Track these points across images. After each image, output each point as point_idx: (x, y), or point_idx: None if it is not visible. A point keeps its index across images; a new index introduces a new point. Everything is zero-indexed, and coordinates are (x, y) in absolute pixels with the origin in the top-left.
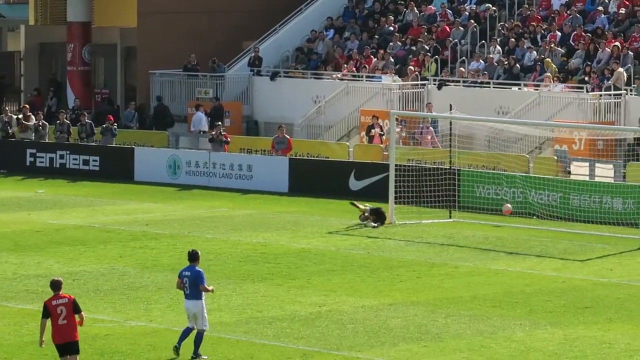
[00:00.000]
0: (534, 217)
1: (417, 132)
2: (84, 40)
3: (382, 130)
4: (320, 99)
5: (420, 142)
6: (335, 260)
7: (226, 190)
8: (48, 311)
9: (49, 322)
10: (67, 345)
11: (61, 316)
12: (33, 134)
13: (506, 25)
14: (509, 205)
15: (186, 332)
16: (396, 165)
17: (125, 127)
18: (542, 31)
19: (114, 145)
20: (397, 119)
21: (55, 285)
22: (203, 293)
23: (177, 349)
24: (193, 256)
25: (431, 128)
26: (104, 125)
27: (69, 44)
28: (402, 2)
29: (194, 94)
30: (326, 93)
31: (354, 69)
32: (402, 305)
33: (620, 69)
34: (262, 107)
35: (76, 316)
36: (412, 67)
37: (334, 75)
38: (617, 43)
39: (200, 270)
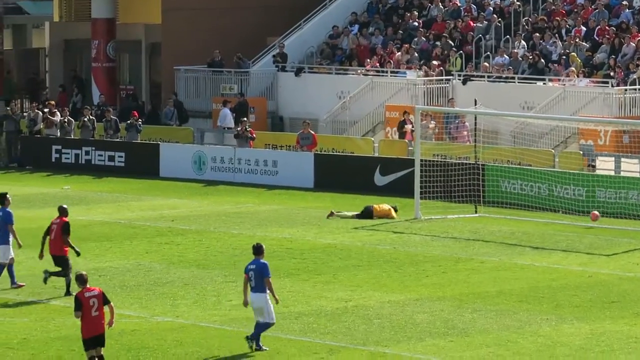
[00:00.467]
0: (560, 212)
1: (452, 127)
2: (108, 36)
3: (414, 126)
4: (345, 94)
5: (457, 137)
6: (361, 255)
7: (251, 186)
8: (81, 304)
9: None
10: (96, 338)
11: (93, 308)
12: (58, 131)
13: (530, 20)
14: (597, 213)
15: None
16: (421, 160)
17: (164, 125)
18: (567, 26)
19: (139, 141)
20: (430, 115)
21: (83, 279)
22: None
23: (260, 349)
24: (257, 249)
25: (467, 123)
26: (129, 122)
27: (93, 40)
28: None
29: (219, 90)
30: (351, 88)
31: (378, 64)
32: (428, 300)
33: None
34: (287, 102)
35: (105, 307)
36: (435, 62)
37: (358, 71)
38: None
39: (266, 262)
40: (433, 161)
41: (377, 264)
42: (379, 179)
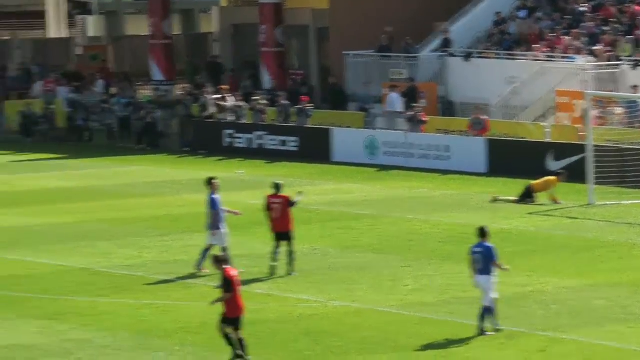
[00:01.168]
0: None
1: None
2: (276, 21)
3: (599, 112)
4: (514, 79)
5: None
6: (536, 240)
7: (424, 171)
8: (232, 284)
9: None
10: (238, 319)
11: (238, 287)
12: (231, 115)
13: None
14: None
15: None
16: (594, 145)
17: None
18: None
19: (311, 125)
20: (614, 101)
21: (225, 259)
22: (494, 269)
23: (483, 332)
24: (482, 232)
25: None
26: (299, 106)
27: (261, 25)
28: None
29: (388, 74)
30: (520, 73)
31: (546, 49)
32: (604, 286)
33: None
34: (456, 87)
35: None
36: (604, 47)
37: (528, 56)
38: None
39: (491, 245)
40: (606, 146)
41: (552, 249)
42: (552, 164)
